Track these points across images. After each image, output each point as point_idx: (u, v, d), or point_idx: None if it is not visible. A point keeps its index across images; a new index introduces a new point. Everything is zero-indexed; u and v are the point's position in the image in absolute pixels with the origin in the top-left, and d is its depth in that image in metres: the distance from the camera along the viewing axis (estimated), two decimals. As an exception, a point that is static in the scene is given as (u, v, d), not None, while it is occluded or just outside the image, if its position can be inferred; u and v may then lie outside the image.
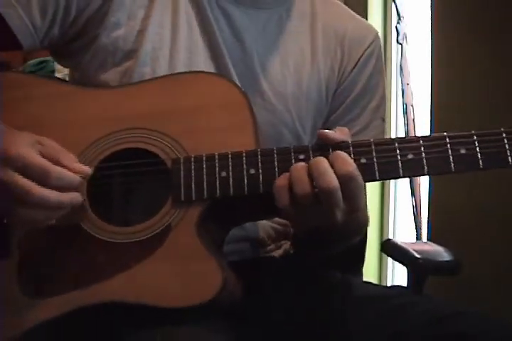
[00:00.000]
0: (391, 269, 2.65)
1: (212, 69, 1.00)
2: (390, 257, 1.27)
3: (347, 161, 0.78)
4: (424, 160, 0.79)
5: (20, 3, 0.94)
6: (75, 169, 0.81)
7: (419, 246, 1.28)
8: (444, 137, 0.80)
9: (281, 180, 0.80)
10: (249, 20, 1.03)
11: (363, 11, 2.71)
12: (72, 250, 0.85)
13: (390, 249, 1.26)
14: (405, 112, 2.42)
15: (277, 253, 1.10)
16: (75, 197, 0.81)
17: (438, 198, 2.05)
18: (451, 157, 0.79)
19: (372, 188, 2.36)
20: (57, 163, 0.80)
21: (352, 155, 0.80)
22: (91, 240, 0.84)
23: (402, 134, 2.56)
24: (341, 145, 0.81)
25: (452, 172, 0.79)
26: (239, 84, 0.96)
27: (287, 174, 0.80)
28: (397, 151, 0.80)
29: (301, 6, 1.09)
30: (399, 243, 1.25)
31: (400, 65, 2.47)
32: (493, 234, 1.75)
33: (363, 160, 0.80)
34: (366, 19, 2.64)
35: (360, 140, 0.83)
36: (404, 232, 2.61)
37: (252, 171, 0.82)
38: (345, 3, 3.03)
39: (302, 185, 0.78)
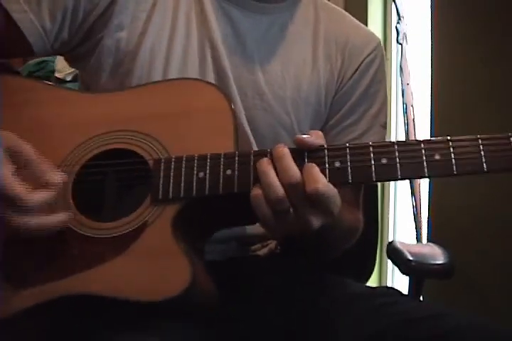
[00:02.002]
0: (391, 270, 2.65)
1: (209, 71, 1.02)
2: (388, 259, 1.26)
3: (316, 178, 0.79)
4: (398, 165, 0.80)
5: (31, 8, 0.98)
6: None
7: (418, 249, 1.27)
8: (419, 142, 0.80)
9: (256, 190, 0.80)
10: (251, 24, 1.05)
11: (363, 11, 2.71)
12: (54, 243, 0.88)
13: (389, 250, 1.25)
14: (405, 112, 2.42)
15: (262, 252, 1.11)
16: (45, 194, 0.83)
17: (438, 198, 2.05)
18: (425, 162, 0.79)
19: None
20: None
21: (327, 158, 0.81)
22: (72, 234, 0.88)
23: (402, 134, 2.56)
24: (316, 150, 0.82)
25: (426, 177, 0.80)
26: (234, 87, 1.01)
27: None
28: (372, 155, 0.81)
29: (305, 12, 1.11)
30: (397, 244, 1.25)
31: (400, 65, 2.46)
32: (493, 235, 1.75)
33: (337, 164, 0.81)
34: (366, 19, 2.66)
35: (335, 144, 0.84)
36: (404, 233, 2.61)
37: (229, 172, 0.84)
38: (346, 4, 3.03)
39: (273, 189, 0.79)
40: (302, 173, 0.79)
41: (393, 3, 2.53)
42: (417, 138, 0.83)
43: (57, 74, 3.19)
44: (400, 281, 2.54)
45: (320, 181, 0.78)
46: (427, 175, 0.79)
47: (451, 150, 0.79)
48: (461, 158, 0.78)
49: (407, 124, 2.40)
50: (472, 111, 1.82)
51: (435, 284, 1.36)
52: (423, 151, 0.79)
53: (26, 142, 0.86)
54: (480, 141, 0.78)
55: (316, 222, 0.81)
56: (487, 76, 1.78)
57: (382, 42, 1.15)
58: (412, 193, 2.35)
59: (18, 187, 0.81)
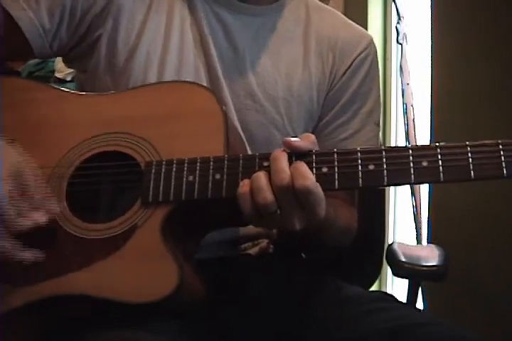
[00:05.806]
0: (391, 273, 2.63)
1: (201, 72, 1.03)
2: (386, 260, 1.25)
3: (305, 175, 0.79)
4: (385, 172, 0.79)
5: (29, 6, 1.00)
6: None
7: (415, 250, 1.26)
8: (407, 149, 0.80)
9: (244, 188, 0.81)
10: (242, 25, 1.06)
11: (363, 11, 2.71)
12: (46, 244, 0.89)
13: (387, 252, 1.24)
14: (405, 112, 2.42)
15: (253, 251, 1.11)
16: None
17: (438, 199, 2.05)
18: (412, 169, 0.78)
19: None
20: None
21: (314, 164, 0.81)
22: (64, 235, 0.89)
23: (402, 134, 2.56)
24: (305, 154, 0.82)
25: (412, 183, 0.79)
26: (226, 88, 1.02)
27: (249, 181, 0.81)
28: (359, 161, 0.80)
29: (296, 13, 1.11)
30: (395, 246, 1.23)
31: (400, 65, 2.46)
32: (494, 235, 1.75)
33: (325, 170, 0.81)
34: (366, 19, 2.66)
35: (323, 150, 0.84)
36: (404, 233, 2.60)
37: (217, 176, 0.84)
38: (345, 4, 3.03)
39: (262, 193, 0.79)
40: (291, 171, 0.79)
41: (393, 3, 2.54)
42: (410, 144, 0.83)
43: (57, 74, 3.20)
44: (400, 284, 2.53)
45: (309, 178, 0.79)
46: (413, 181, 0.79)
47: (439, 157, 0.78)
48: (449, 166, 0.78)
49: (407, 124, 2.40)
50: (472, 111, 1.82)
51: (436, 284, 1.36)
52: (411, 158, 0.79)
53: (27, 157, 0.88)
54: (469, 148, 0.78)
55: (299, 224, 0.81)
56: (487, 76, 1.78)
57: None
58: (412, 193, 2.35)
59: (10, 210, 0.83)
